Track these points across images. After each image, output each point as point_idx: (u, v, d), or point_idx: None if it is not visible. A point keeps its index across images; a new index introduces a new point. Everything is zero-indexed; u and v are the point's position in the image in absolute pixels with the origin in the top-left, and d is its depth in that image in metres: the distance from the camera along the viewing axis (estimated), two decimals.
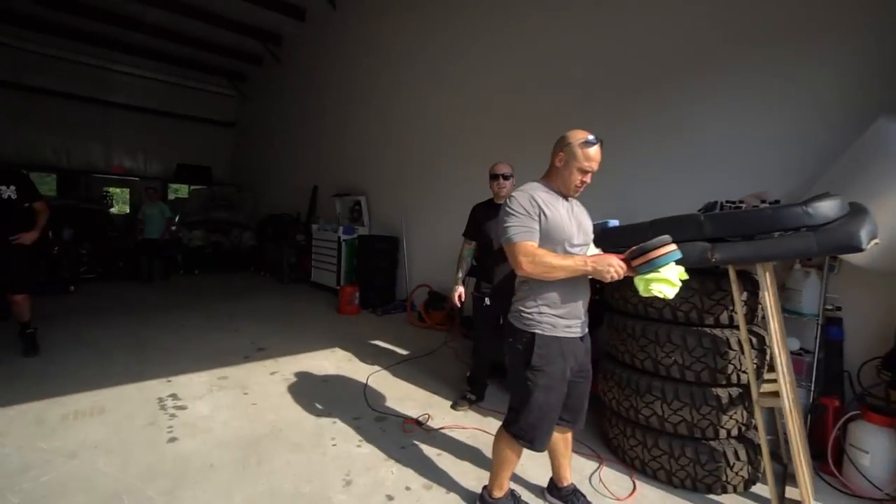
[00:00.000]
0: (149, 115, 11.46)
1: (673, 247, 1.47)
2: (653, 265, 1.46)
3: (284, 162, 9.96)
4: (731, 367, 2.08)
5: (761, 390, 1.97)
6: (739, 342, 2.08)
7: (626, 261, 1.52)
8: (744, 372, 2.09)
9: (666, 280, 1.45)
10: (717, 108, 3.30)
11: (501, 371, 3.65)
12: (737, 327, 2.17)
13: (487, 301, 2.93)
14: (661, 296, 1.46)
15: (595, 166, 1.64)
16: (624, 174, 3.72)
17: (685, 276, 1.50)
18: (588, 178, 1.67)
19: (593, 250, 1.80)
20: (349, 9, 7.52)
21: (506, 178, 2.91)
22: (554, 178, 1.72)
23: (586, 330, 1.77)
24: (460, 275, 3.07)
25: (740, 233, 1.98)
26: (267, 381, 3.27)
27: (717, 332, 2.14)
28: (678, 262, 1.49)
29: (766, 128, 3.08)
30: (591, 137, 1.64)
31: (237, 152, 12.93)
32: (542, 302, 1.67)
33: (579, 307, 1.71)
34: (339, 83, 7.87)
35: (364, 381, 3.33)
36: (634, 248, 1.51)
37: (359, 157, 7.44)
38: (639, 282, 1.52)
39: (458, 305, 3.00)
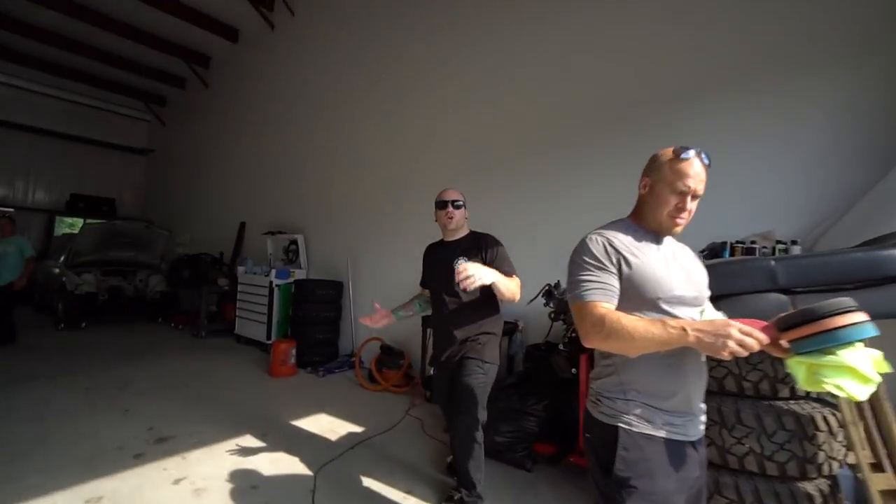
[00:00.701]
0: (37, 134, 9.68)
1: (862, 316, 0.91)
2: (829, 341, 0.90)
3: (207, 195, 8.77)
4: (821, 455, 1.61)
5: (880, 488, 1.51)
6: (826, 420, 1.63)
7: (773, 329, 0.98)
8: (834, 459, 1.63)
9: (850, 370, 0.88)
10: (712, 142, 3.07)
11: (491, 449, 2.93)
12: (818, 400, 1.73)
13: (432, 370, 2.33)
14: (840, 393, 0.89)
15: (694, 184, 1.15)
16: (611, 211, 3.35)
17: (886, 368, 0.92)
18: (687, 204, 1.16)
19: (712, 313, 1.26)
20: (288, 31, 6.92)
21: (456, 205, 2.27)
22: (641, 213, 1.27)
23: (702, 431, 1.19)
24: (399, 309, 2.44)
25: (823, 282, 1.58)
26: (168, 496, 2.27)
27: (796, 406, 1.68)
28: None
29: (768, 166, 2.87)
30: (685, 149, 1.16)
31: (150, 184, 11.36)
32: (631, 384, 1.13)
33: (690, 394, 1.14)
34: (274, 111, 7.10)
35: (312, 483, 2.45)
36: (792, 311, 0.98)
37: (295, 191, 6.61)
38: (797, 366, 0.95)
39: (367, 323, 2.34)
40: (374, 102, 5.51)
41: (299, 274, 5.95)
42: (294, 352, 4.75)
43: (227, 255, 7.61)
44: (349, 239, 5.64)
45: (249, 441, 2.98)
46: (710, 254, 2.85)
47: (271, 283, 5.69)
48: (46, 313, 7.36)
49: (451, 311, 2.21)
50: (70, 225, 11.02)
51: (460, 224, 2.30)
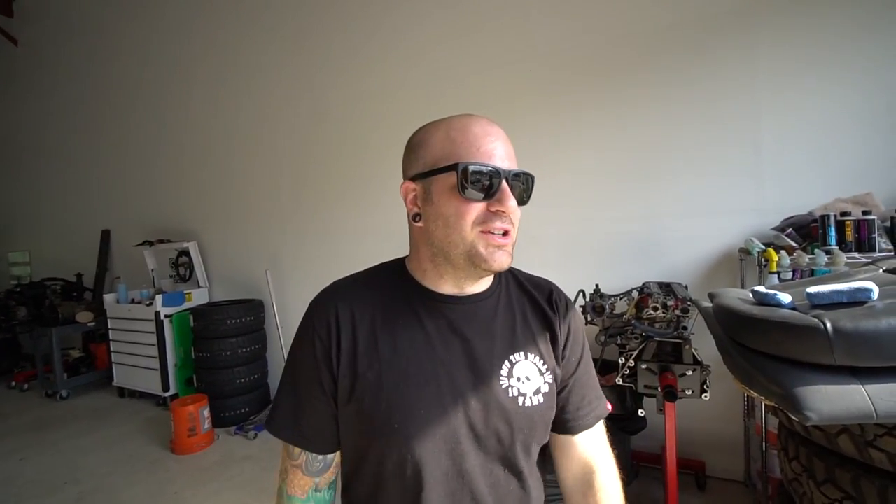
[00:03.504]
0: None
1: None
2: None
3: (48, 197, 6.42)
4: None
5: None
6: None
7: None
8: None
9: None
10: (775, 84, 2.30)
11: None
12: None
13: None
14: None
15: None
16: (643, 179, 2.53)
17: None
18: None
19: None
20: None
21: (523, 186, 0.67)
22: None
23: None
24: None
25: None
26: None
27: None
28: None
29: (853, 110, 2.20)
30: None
31: None
32: None
33: None
34: (132, 72, 5.16)
35: None
36: None
37: (178, 182, 4.90)
38: None
39: None
40: (291, 48, 4.05)
41: (198, 295, 4.41)
42: (206, 411, 3.38)
43: (87, 278, 5.61)
44: (266, 240, 4.24)
45: None
46: (799, 230, 2.14)
47: (157, 313, 4.10)
48: None
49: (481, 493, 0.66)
50: None
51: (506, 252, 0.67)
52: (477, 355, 0.66)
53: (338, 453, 0.71)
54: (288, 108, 4.03)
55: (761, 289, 1.20)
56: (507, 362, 0.68)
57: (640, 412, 1.93)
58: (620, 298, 2.20)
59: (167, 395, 4.08)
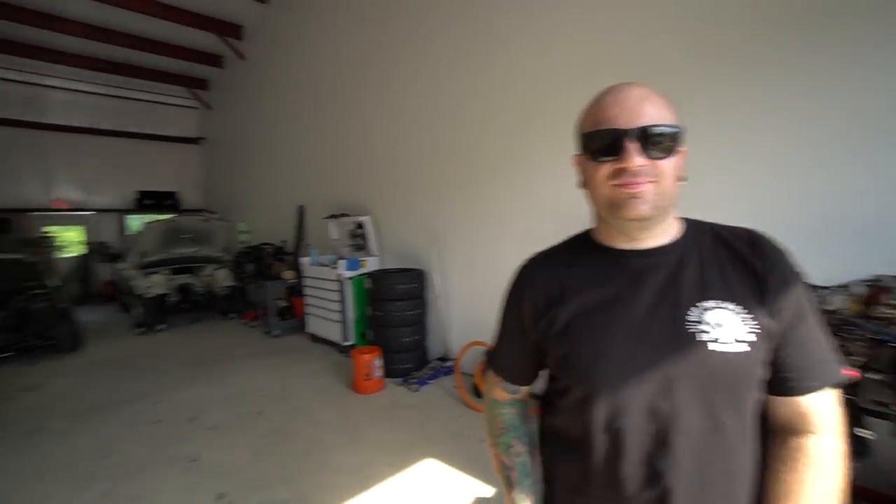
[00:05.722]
0: (94, 136, 9.57)
1: None
2: None
3: (260, 179, 8.15)
4: None
5: None
6: None
7: None
8: None
9: None
10: None
11: None
12: None
13: None
14: None
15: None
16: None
17: None
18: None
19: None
20: None
21: (655, 142, 0.65)
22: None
23: None
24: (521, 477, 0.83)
25: None
26: None
27: None
28: None
29: None
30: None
31: (206, 173, 11.07)
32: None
33: None
34: (324, 75, 6.10)
35: None
36: None
37: (356, 164, 5.66)
38: None
39: None
40: (459, 36, 4.30)
41: (371, 263, 5.10)
42: (378, 363, 3.94)
43: (289, 244, 6.97)
44: (429, 216, 4.62)
45: None
46: None
47: (340, 276, 4.89)
48: (129, 314, 7.28)
49: (682, 453, 0.65)
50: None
51: (668, 201, 0.68)
52: (660, 303, 0.68)
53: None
54: (452, 99, 4.27)
55: None
56: (694, 308, 0.67)
57: (863, 432, 1.59)
58: (836, 291, 1.83)
59: (346, 344, 4.87)
